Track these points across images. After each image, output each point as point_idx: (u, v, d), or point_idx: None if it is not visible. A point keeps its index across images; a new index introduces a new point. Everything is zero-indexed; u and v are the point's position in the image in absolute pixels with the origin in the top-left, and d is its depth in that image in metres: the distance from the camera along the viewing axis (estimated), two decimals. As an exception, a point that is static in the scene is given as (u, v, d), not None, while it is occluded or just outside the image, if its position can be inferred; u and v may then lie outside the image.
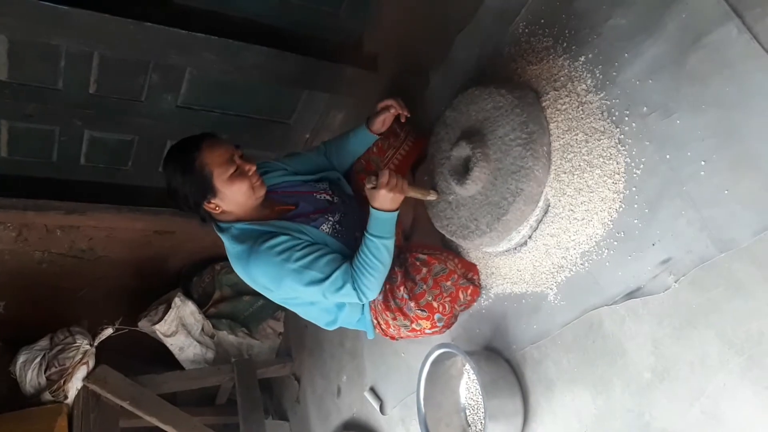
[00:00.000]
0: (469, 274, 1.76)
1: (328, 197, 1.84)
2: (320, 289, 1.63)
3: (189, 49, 2.13)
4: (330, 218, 1.77)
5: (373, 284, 1.65)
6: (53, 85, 2.27)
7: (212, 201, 1.64)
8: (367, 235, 1.63)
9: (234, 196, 1.64)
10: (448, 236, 1.80)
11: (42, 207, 2.77)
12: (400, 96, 1.89)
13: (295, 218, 1.73)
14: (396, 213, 1.63)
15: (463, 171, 1.63)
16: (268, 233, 1.64)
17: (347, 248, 1.74)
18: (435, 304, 1.67)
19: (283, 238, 1.62)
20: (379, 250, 1.62)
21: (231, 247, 1.69)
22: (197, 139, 1.64)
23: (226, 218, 1.70)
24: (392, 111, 1.85)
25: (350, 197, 1.94)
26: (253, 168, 1.65)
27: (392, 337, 1.83)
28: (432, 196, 1.75)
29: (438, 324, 1.71)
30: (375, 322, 1.83)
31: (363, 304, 1.82)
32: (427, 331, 1.73)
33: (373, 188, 1.59)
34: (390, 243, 1.64)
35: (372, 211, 1.62)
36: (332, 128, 2.75)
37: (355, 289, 1.64)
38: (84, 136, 2.59)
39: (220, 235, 1.73)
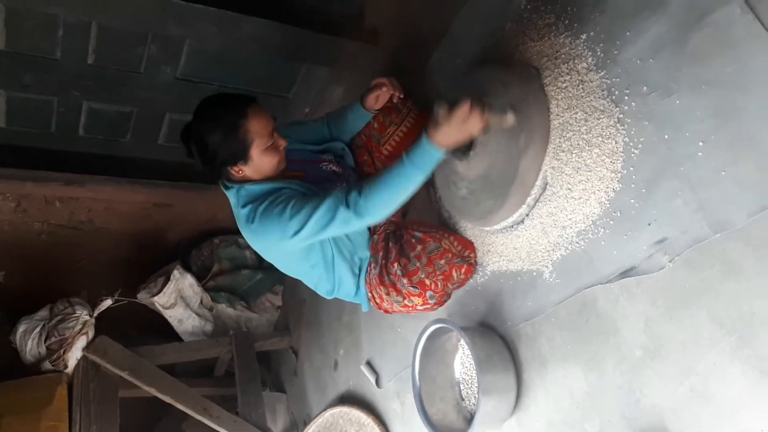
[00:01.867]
0: (465, 252, 1.77)
1: (334, 168, 1.85)
2: (316, 220, 1.55)
3: (187, 20, 2.11)
4: (338, 187, 1.74)
5: (382, 206, 1.53)
6: (51, 55, 2.25)
7: (240, 166, 1.64)
8: (405, 161, 1.49)
9: (262, 166, 1.65)
10: (454, 215, 1.80)
11: (41, 178, 2.77)
12: (397, 74, 1.87)
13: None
14: (445, 153, 1.49)
15: (466, 149, 1.63)
16: (275, 190, 1.65)
17: None
18: (427, 282, 1.68)
19: (284, 190, 1.64)
20: (409, 179, 1.49)
21: (237, 208, 1.69)
22: (243, 102, 1.61)
23: (240, 180, 1.69)
24: (384, 89, 1.83)
25: (353, 171, 1.94)
26: (285, 144, 1.67)
27: (386, 311, 1.85)
28: (510, 120, 1.46)
29: (430, 301, 1.72)
30: (370, 295, 1.84)
31: (359, 276, 1.84)
32: (419, 307, 1.74)
33: (441, 119, 1.43)
34: (423, 180, 1.51)
35: (425, 142, 1.45)
36: (331, 102, 2.73)
37: (350, 208, 1.52)
38: (82, 107, 2.58)
39: (226, 192, 1.72)
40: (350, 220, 1.54)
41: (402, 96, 1.86)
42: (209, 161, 1.62)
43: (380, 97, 1.85)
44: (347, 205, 1.53)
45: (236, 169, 1.64)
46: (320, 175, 1.80)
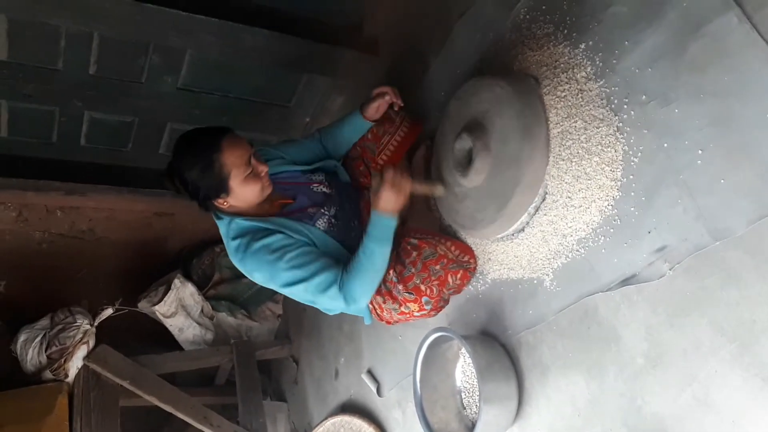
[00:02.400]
0: (464, 257, 1.77)
1: (324, 189, 1.86)
2: (307, 287, 1.67)
3: (189, 31, 2.13)
4: (326, 212, 1.80)
5: (363, 290, 1.68)
6: (53, 65, 2.26)
7: (222, 198, 1.66)
8: (365, 239, 1.65)
9: (245, 195, 1.66)
10: (458, 229, 1.81)
11: (42, 187, 2.77)
12: (396, 83, 1.89)
13: (293, 213, 1.76)
14: (396, 219, 1.65)
15: (466, 163, 1.64)
16: (265, 230, 1.68)
17: (344, 242, 1.79)
18: (422, 287, 1.68)
19: (278, 236, 1.67)
20: (374, 256, 1.65)
21: (228, 239, 1.73)
22: (217, 135, 1.61)
23: (229, 211, 1.72)
24: (386, 98, 1.86)
25: (347, 186, 1.96)
26: (266, 169, 1.66)
27: (387, 322, 1.85)
28: (439, 191, 1.75)
29: (426, 307, 1.72)
30: (370, 307, 1.84)
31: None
32: (415, 313, 1.74)
33: (377, 188, 1.61)
34: (387, 250, 1.67)
35: (374, 214, 1.64)
36: (332, 112, 2.74)
37: (341, 291, 1.67)
38: (84, 117, 2.59)
39: (217, 222, 1.76)
40: (338, 303, 1.70)
41: (402, 105, 1.89)
42: (194, 197, 1.67)
43: (381, 106, 1.88)
44: (340, 288, 1.67)
45: (220, 201, 1.67)
46: (310, 198, 1.81)
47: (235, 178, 1.61)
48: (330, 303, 1.73)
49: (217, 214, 1.75)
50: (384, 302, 1.74)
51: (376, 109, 1.87)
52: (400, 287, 1.69)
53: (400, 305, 1.72)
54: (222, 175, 1.60)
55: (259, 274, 1.70)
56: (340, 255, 1.77)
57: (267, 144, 1.96)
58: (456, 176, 1.66)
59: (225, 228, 1.73)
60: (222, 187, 1.63)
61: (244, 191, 1.64)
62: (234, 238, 1.70)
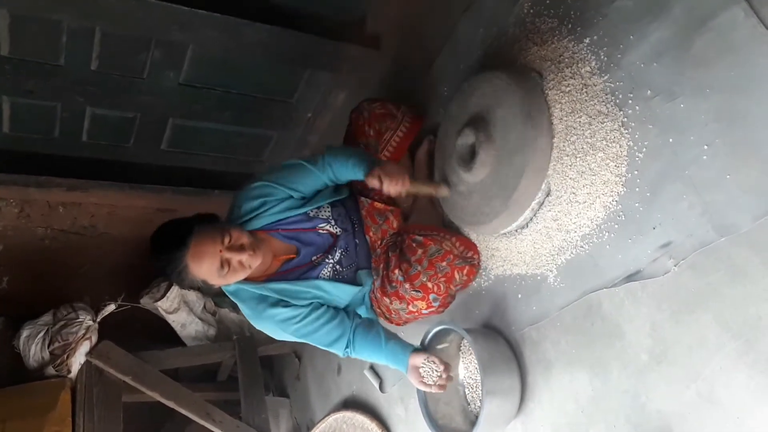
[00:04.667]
0: (468, 253, 1.76)
1: (330, 229, 1.78)
2: (317, 343, 1.75)
3: (191, 26, 2.12)
4: (330, 260, 1.76)
5: (364, 358, 1.78)
6: (55, 61, 2.25)
7: (215, 288, 1.65)
8: (386, 348, 1.71)
9: (230, 282, 1.62)
10: (461, 225, 1.81)
11: (44, 183, 2.77)
12: (399, 79, 1.86)
13: (294, 270, 1.72)
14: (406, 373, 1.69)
15: (469, 158, 1.63)
16: (266, 298, 1.67)
17: (352, 282, 1.79)
18: (430, 285, 1.68)
19: (279, 310, 1.66)
20: (385, 361, 1.73)
21: (235, 300, 1.72)
22: (180, 245, 1.50)
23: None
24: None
25: (351, 211, 1.87)
26: (245, 255, 1.53)
27: (397, 323, 1.84)
28: (444, 191, 1.73)
29: (434, 304, 1.72)
30: (378, 311, 1.84)
31: (363, 294, 1.84)
32: (424, 311, 1.74)
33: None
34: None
35: (399, 362, 1.69)
36: (334, 107, 2.73)
37: (345, 352, 1.75)
38: (86, 113, 2.58)
39: (224, 290, 1.73)
40: (338, 353, 1.77)
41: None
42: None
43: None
44: (345, 348, 1.74)
45: (215, 289, 1.66)
46: (314, 247, 1.76)
47: (213, 280, 1.56)
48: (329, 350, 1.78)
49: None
50: (391, 303, 1.73)
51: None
52: (407, 286, 1.68)
53: (408, 304, 1.71)
54: (200, 282, 1.57)
55: (271, 333, 1.73)
56: (347, 296, 1.78)
57: (275, 172, 1.77)
58: (459, 171, 1.66)
59: (229, 291, 1.71)
60: (204, 287, 1.62)
61: (227, 281, 1.59)
62: (239, 301, 1.70)
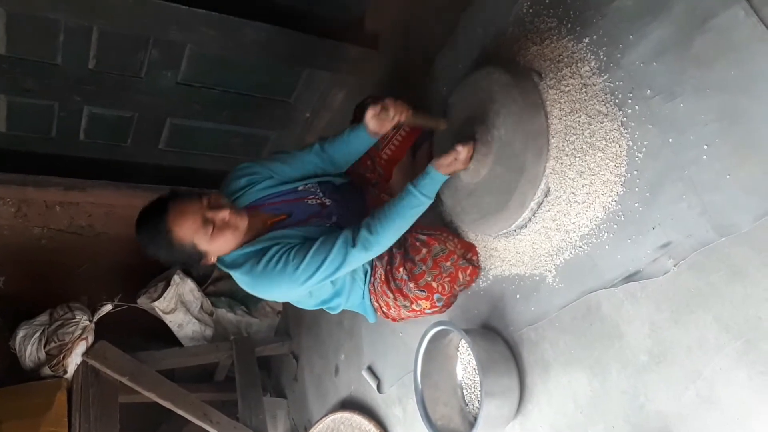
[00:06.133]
0: (468, 254, 1.76)
1: (318, 201, 1.76)
2: (325, 273, 1.58)
3: (189, 25, 2.11)
4: (326, 222, 1.72)
5: (389, 237, 1.60)
6: (52, 59, 2.25)
7: (204, 260, 1.62)
8: (413, 190, 1.59)
9: (221, 247, 1.60)
10: (459, 225, 1.80)
11: (41, 183, 2.77)
12: (397, 79, 1.86)
13: (291, 226, 1.69)
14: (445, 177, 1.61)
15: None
16: (260, 250, 1.61)
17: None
18: (434, 285, 1.67)
19: (273, 249, 1.59)
20: (418, 208, 1.60)
21: (232, 272, 1.67)
22: (160, 212, 1.53)
23: (224, 256, 1.67)
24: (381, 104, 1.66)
25: (345, 188, 1.86)
26: (227, 212, 1.55)
27: (393, 319, 1.84)
28: (442, 125, 1.73)
29: (437, 304, 1.72)
30: (376, 305, 1.83)
31: (363, 290, 1.83)
32: (427, 311, 1.74)
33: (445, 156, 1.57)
34: (427, 206, 1.62)
35: (433, 171, 1.58)
36: (332, 107, 2.73)
37: (358, 244, 1.57)
38: (83, 112, 2.58)
39: (219, 266, 1.70)
40: (360, 257, 1.59)
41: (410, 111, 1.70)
42: (183, 265, 1.63)
43: (385, 122, 1.66)
44: (355, 245, 1.57)
45: (204, 261, 1.63)
46: (306, 212, 1.73)
47: (200, 242, 1.54)
48: (353, 265, 1.61)
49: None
50: (395, 300, 1.73)
51: (379, 123, 1.65)
52: (411, 285, 1.68)
53: (412, 303, 1.71)
54: (185, 247, 1.54)
55: (276, 289, 1.64)
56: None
57: (257, 158, 1.83)
58: (459, 172, 1.65)
59: (225, 264, 1.68)
60: (195, 255, 1.58)
61: (217, 246, 1.58)
62: (236, 269, 1.64)
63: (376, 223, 1.59)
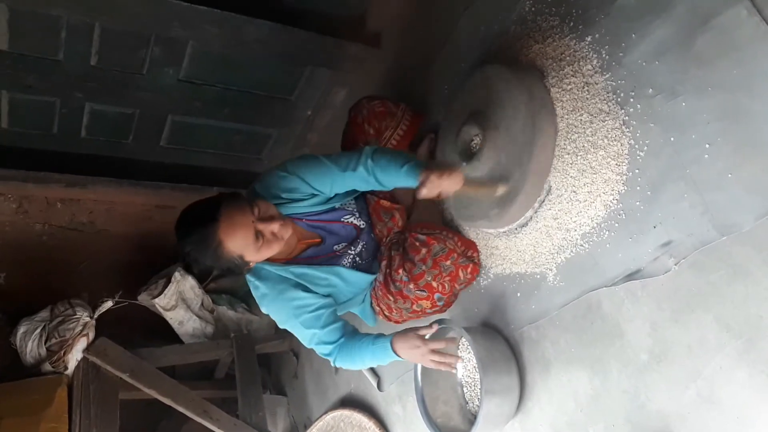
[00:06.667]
0: (469, 252, 1.76)
1: (355, 222, 1.78)
2: (311, 340, 1.65)
3: (191, 22, 2.11)
4: (351, 251, 1.75)
5: (350, 368, 1.69)
6: (54, 56, 2.25)
7: (247, 267, 1.61)
8: (371, 348, 1.60)
9: (265, 256, 1.56)
10: (461, 223, 1.80)
11: (42, 179, 2.76)
12: (399, 77, 1.84)
13: (318, 257, 1.70)
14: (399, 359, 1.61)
15: (471, 154, 1.63)
16: (287, 280, 1.62)
17: (366, 274, 1.76)
18: (434, 284, 1.67)
19: (300, 294, 1.61)
20: (371, 363, 1.64)
21: (251, 279, 1.67)
22: (211, 221, 1.44)
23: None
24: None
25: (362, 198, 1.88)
26: (277, 225, 1.50)
27: (396, 321, 1.84)
28: (502, 189, 1.56)
29: (438, 303, 1.72)
30: (377, 308, 1.83)
31: (365, 294, 1.84)
32: (428, 311, 1.74)
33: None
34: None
35: (387, 350, 1.57)
36: (335, 105, 2.73)
37: (333, 360, 1.66)
38: (85, 109, 2.57)
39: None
40: (326, 357, 1.68)
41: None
42: (222, 271, 1.61)
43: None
44: (333, 355, 1.65)
45: (246, 269, 1.62)
46: (338, 237, 1.75)
47: (249, 255, 1.50)
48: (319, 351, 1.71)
49: None
50: (395, 302, 1.72)
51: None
52: (411, 286, 1.67)
53: (412, 304, 1.70)
54: (235, 259, 1.50)
55: (276, 316, 1.67)
56: (364, 283, 1.77)
57: (307, 167, 1.67)
58: (463, 168, 1.65)
59: (254, 267, 1.67)
60: (241, 265, 1.55)
61: (262, 256, 1.53)
62: (258, 280, 1.64)
63: (345, 354, 1.65)
